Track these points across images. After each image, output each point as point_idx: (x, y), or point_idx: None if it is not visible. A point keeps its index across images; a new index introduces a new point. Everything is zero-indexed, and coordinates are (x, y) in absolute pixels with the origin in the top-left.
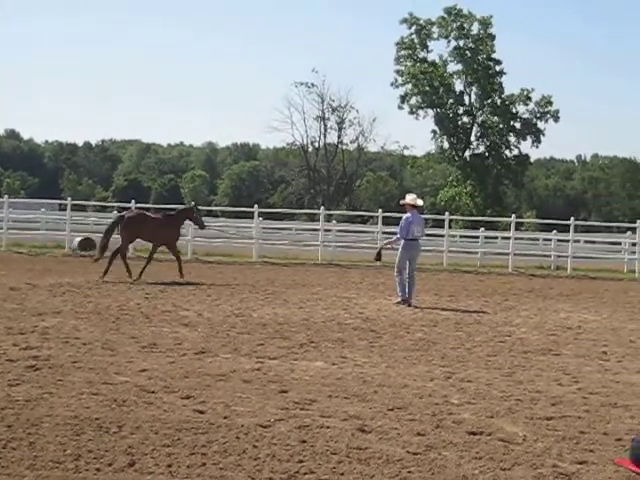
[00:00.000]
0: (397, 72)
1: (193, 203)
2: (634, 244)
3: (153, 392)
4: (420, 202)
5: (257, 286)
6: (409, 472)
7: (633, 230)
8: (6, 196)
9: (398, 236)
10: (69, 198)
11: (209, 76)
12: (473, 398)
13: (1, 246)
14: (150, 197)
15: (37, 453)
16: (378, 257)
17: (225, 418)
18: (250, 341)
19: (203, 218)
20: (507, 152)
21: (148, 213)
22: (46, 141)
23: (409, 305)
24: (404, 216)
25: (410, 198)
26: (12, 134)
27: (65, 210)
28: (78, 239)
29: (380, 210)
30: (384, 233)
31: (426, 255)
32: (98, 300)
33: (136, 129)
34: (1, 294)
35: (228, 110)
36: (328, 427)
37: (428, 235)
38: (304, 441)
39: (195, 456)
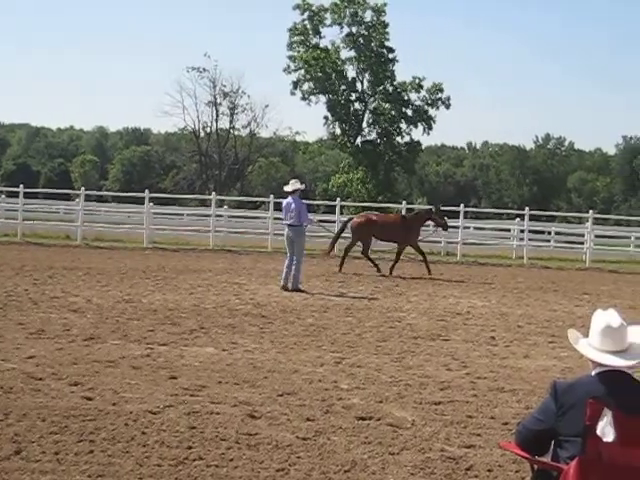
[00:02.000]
0: (289, 58)
1: (433, 206)
2: (522, 231)
3: (40, 379)
4: (287, 187)
5: (147, 272)
6: (298, 457)
7: (522, 217)
8: None
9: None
10: None
11: (101, 59)
12: (362, 383)
13: None
14: (39, 181)
15: None
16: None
17: (114, 405)
18: (140, 327)
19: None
20: (399, 139)
21: (374, 215)
22: None
23: (286, 290)
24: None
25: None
26: None
27: None
28: None
29: (272, 196)
30: (276, 219)
31: (317, 241)
32: None
33: (25, 113)
34: None
35: (119, 94)
36: (218, 413)
37: (320, 222)
38: (193, 427)
39: (83, 443)
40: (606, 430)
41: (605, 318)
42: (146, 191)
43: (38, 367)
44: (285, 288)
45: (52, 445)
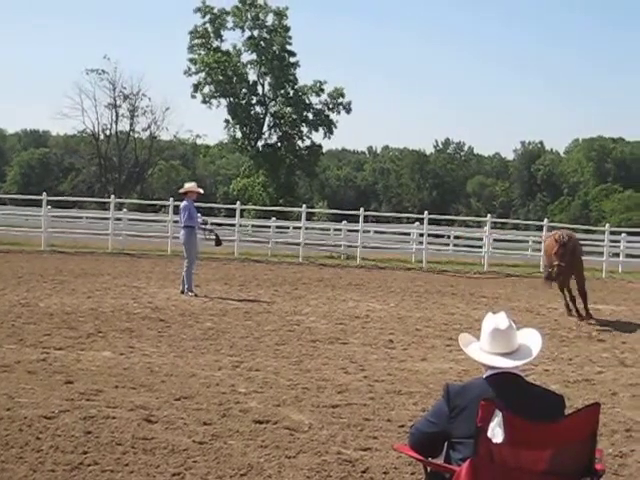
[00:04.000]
0: (190, 60)
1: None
2: (422, 234)
3: None
4: (182, 189)
5: (45, 275)
6: (194, 462)
7: (421, 221)
8: None
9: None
10: None
11: None
12: (260, 387)
13: None
14: None
15: None
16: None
17: (8, 410)
18: (36, 331)
19: None
20: (300, 142)
21: None
22: None
23: (182, 293)
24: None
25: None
26: None
27: None
28: None
29: (172, 199)
30: (175, 222)
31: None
32: None
33: None
34: None
35: (17, 96)
36: (114, 417)
37: (219, 225)
38: (89, 432)
39: None
40: (496, 431)
41: (494, 321)
42: (44, 194)
43: None
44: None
45: None
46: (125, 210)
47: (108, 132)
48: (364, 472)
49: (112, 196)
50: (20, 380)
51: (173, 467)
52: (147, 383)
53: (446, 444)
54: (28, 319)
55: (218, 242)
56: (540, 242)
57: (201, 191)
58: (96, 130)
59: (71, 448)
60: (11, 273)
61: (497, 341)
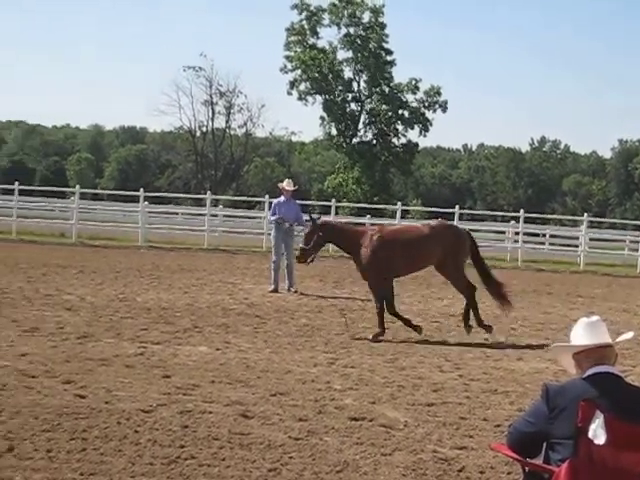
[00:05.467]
0: (286, 58)
1: None
2: (517, 233)
3: (34, 377)
4: (288, 187)
5: (142, 270)
6: (290, 457)
7: (517, 219)
8: None
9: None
10: None
11: (98, 57)
12: (356, 384)
13: None
14: (35, 179)
15: None
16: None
17: (106, 403)
18: (133, 326)
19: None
20: (395, 140)
21: None
22: None
23: (290, 288)
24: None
25: (284, 183)
26: None
27: None
28: None
29: (267, 196)
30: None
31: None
32: None
33: (21, 110)
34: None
35: (115, 93)
36: (210, 412)
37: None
38: (186, 426)
39: (75, 441)
40: (598, 432)
41: (584, 319)
42: (141, 190)
43: (31, 365)
44: (276, 291)
45: (45, 443)
46: (221, 207)
47: (204, 129)
48: (460, 471)
49: (208, 192)
50: (118, 374)
51: (269, 462)
52: (243, 379)
53: (545, 444)
54: (126, 314)
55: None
56: (638, 242)
57: (286, 187)
58: (193, 127)
59: (169, 442)
60: (109, 268)
61: (588, 331)
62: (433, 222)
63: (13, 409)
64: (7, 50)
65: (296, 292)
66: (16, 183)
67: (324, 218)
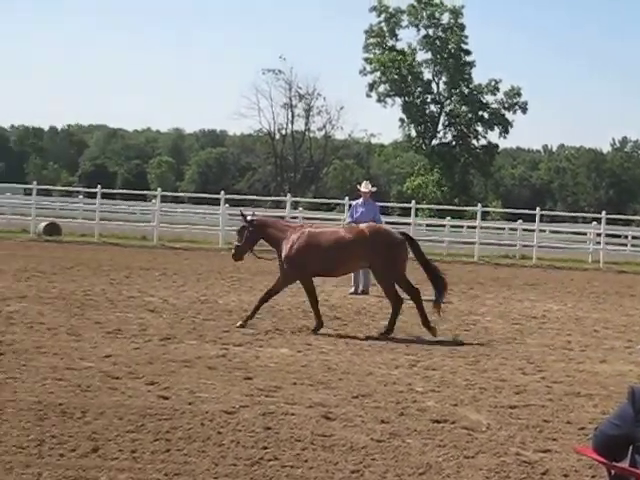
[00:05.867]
0: (365, 60)
1: None
2: (599, 234)
3: (117, 378)
4: (363, 188)
5: (223, 272)
6: (373, 459)
7: (598, 220)
8: None
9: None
10: (35, 182)
11: (178, 62)
12: (437, 386)
13: None
14: (116, 182)
15: (0, 438)
16: None
17: (190, 404)
18: (215, 328)
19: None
20: (475, 142)
21: None
22: (12, 125)
23: (362, 294)
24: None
25: (362, 185)
26: None
27: (30, 195)
28: (43, 224)
29: (347, 198)
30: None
31: None
32: (63, 285)
33: (102, 114)
34: None
35: (196, 96)
36: (293, 414)
37: (393, 223)
38: (268, 428)
39: (159, 442)
40: None
41: None
42: (222, 192)
43: (115, 366)
44: (363, 292)
45: (129, 443)
46: (301, 209)
47: (284, 131)
48: (544, 474)
49: (288, 195)
50: (201, 375)
51: (352, 464)
52: (325, 380)
53: (631, 448)
54: (207, 315)
55: None
56: None
57: (362, 189)
58: (272, 129)
59: (251, 443)
60: (190, 270)
61: None
62: (363, 226)
63: (98, 410)
64: (87, 54)
65: (364, 293)
66: (98, 186)
67: (258, 215)
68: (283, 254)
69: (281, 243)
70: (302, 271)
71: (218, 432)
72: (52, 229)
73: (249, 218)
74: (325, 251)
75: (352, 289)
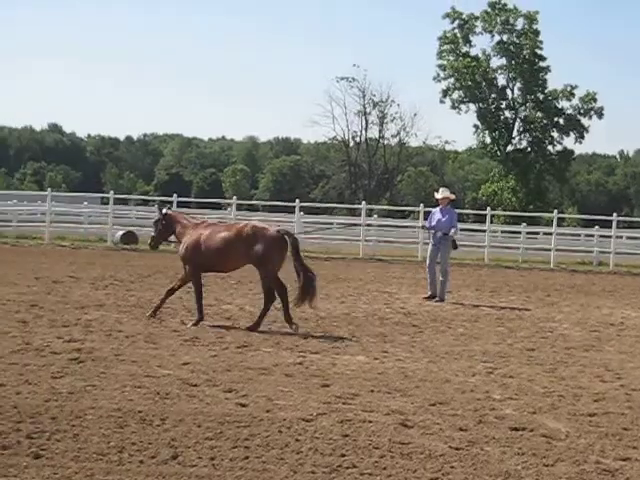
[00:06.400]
0: (439, 66)
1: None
2: None
3: (196, 385)
4: (437, 195)
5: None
6: (451, 467)
7: None
8: (49, 189)
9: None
10: (112, 192)
11: (251, 71)
12: (515, 394)
13: (44, 239)
14: (191, 191)
15: (81, 445)
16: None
17: (267, 412)
18: (292, 335)
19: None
20: (550, 147)
21: None
22: (88, 135)
23: (439, 301)
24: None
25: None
26: (55, 128)
27: (107, 204)
28: (120, 233)
29: (421, 205)
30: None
31: (467, 250)
32: (140, 293)
33: (177, 123)
34: (45, 287)
35: (270, 105)
36: (370, 421)
37: (468, 230)
38: (346, 435)
39: (238, 449)
40: None
41: None
42: (297, 200)
43: (193, 373)
44: (438, 298)
45: (208, 450)
46: (375, 216)
47: (358, 139)
48: None
49: (363, 202)
50: (278, 383)
51: (430, 472)
52: (401, 388)
53: None
54: (283, 323)
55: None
56: None
57: (436, 196)
58: (346, 137)
59: (329, 451)
60: None
61: None
62: (244, 224)
63: (176, 417)
64: (164, 67)
65: (433, 299)
66: (174, 195)
67: (173, 209)
68: (180, 251)
69: (182, 239)
70: (193, 267)
71: (296, 439)
72: (129, 238)
73: (164, 211)
74: (210, 248)
75: (427, 294)
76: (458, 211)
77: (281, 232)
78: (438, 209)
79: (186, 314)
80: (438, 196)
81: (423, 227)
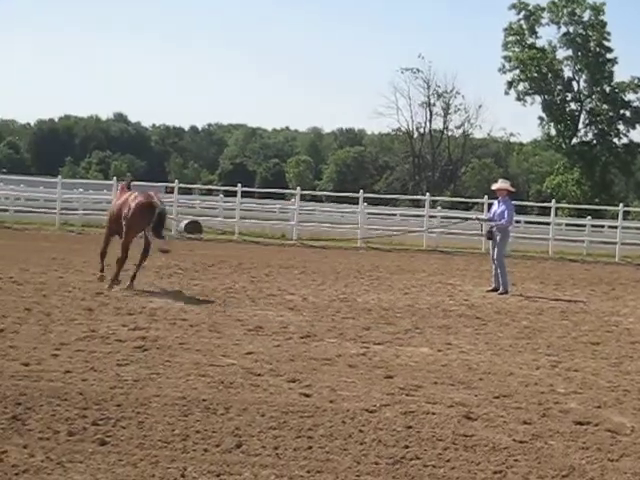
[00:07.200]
0: (505, 58)
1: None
2: None
3: (259, 375)
4: (493, 186)
5: (362, 271)
6: (515, 460)
7: None
8: (114, 178)
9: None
10: (176, 181)
11: (316, 61)
12: (580, 388)
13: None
14: (255, 181)
15: (146, 432)
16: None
17: (331, 402)
18: (355, 326)
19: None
20: (616, 140)
21: None
22: (153, 125)
23: (503, 293)
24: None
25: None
26: (120, 117)
27: (172, 193)
28: (185, 222)
29: (485, 197)
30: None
31: (531, 243)
32: (204, 282)
33: (242, 113)
34: (110, 275)
35: (334, 95)
36: (434, 413)
37: (532, 223)
38: (410, 427)
39: (301, 439)
40: None
41: None
42: (360, 191)
43: (257, 363)
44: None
45: (271, 440)
46: (439, 207)
47: (422, 130)
48: None
49: (427, 194)
50: (341, 373)
51: (494, 465)
52: (465, 380)
53: None
54: (347, 314)
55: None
56: None
57: (493, 187)
58: (410, 128)
59: (393, 442)
60: (329, 269)
61: None
62: (136, 193)
63: (240, 406)
64: (229, 55)
65: (503, 293)
66: (238, 185)
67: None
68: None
69: None
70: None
71: (360, 430)
72: (193, 227)
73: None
74: (114, 216)
75: (491, 286)
76: (522, 204)
77: (149, 201)
78: (496, 201)
79: (250, 304)
80: (494, 187)
81: (477, 219)
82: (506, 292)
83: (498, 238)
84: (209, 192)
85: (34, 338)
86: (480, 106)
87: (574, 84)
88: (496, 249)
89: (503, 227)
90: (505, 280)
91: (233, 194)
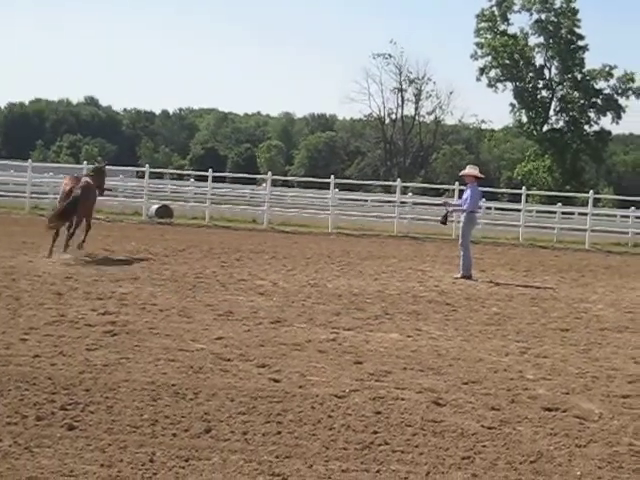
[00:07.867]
0: (477, 44)
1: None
2: None
3: (229, 360)
4: (461, 172)
5: (332, 257)
6: (483, 446)
7: None
8: (85, 162)
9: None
10: (147, 165)
11: (288, 47)
12: (548, 374)
13: None
14: (226, 166)
15: (115, 417)
16: (443, 220)
17: (300, 387)
18: (325, 311)
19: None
20: (587, 127)
21: None
22: (124, 109)
23: (464, 277)
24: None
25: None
26: (91, 101)
27: (143, 177)
28: (155, 206)
29: (456, 183)
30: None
31: (502, 230)
32: (175, 267)
33: (213, 98)
34: (79, 259)
35: (306, 81)
36: (403, 399)
37: (503, 210)
38: (379, 412)
39: (270, 424)
40: None
41: None
42: (332, 177)
43: (226, 348)
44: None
45: (241, 425)
46: (410, 194)
47: (393, 116)
48: None
49: (398, 180)
50: (311, 359)
51: (462, 450)
52: (434, 366)
53: None
54: (317, 299)
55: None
56: None
57: (461, 173)
58: (382, 114)
59: (362, 427)
60: (300, 254)
61: None
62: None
63: (210, 391)
64: (204, 39)
65: (465, 277)
66: (210, 170)
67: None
68: None
69: None
70: None
71: (329, 416)
72: (164, 212)
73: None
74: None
75: (458, 274)
76: (493, 190)
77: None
78: (470, 187)
79: (220, 289)
80: (462, 173)
81: (445, 203)
82: (467, 277)
83: (461, 223)
84: (180, 177)
85: (3, 322)
86: (451, 92)
87: (545, 71)
88: (460, 233)
89: (465, 212)
90: (467, 264)
91: (204, 179)
